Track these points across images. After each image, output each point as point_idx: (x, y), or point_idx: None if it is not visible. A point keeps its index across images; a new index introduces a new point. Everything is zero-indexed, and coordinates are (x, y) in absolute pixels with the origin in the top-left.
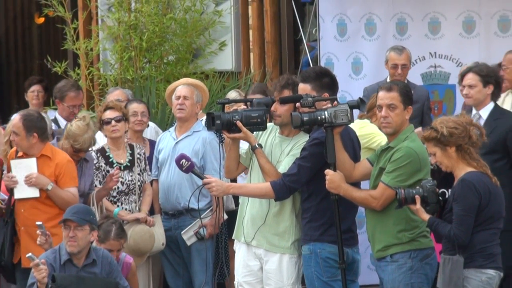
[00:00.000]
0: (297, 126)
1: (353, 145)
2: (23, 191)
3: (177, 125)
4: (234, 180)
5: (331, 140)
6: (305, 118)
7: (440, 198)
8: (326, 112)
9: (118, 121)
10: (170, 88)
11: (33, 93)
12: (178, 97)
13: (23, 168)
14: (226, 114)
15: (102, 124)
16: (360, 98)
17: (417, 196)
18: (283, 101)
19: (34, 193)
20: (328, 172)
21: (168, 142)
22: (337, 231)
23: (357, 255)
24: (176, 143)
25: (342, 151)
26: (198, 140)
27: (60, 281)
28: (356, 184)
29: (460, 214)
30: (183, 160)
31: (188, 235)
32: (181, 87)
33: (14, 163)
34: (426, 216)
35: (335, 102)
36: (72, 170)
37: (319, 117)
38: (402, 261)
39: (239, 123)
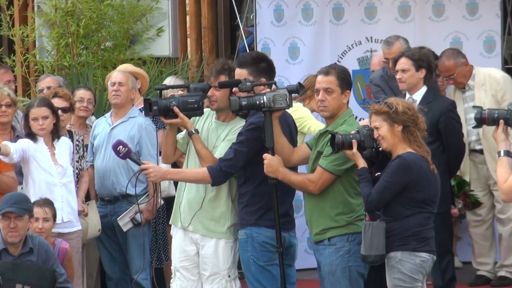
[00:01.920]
0: (235, 110)
1: (290, 130)
2: None
3: (112, 111)
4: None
5: (269, 125)
6: (243, 103)
7: (376, 145)
8: (264, 97)
9: (65, 111)
10: (110, 75)
11: None
12: (113, 84)
13: None
14: (163, 100)
15: None
16: (299, 83)
17: (354, 141)
18: (222, 86)
19: None
20: (266, 156)
21: (103, 127)
22: (275, 215)
23: (294, 239)
24: (112, 128)
25: (281, 136)
26: (133, 125)
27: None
28: (293, 169)
29: (383, 185)
30: (120, 146)
31: (124, 221)
32: (116, 74)
33: None
34: (361, 162)
35: (274, 87)
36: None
37: (257, 102)
38: (339, 245)
39: (176, 109)
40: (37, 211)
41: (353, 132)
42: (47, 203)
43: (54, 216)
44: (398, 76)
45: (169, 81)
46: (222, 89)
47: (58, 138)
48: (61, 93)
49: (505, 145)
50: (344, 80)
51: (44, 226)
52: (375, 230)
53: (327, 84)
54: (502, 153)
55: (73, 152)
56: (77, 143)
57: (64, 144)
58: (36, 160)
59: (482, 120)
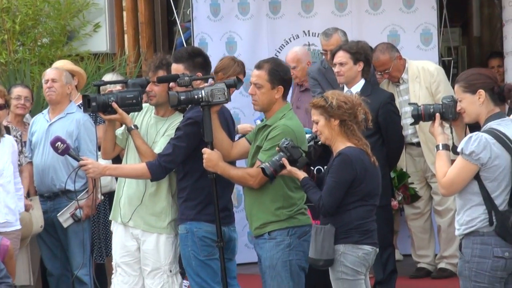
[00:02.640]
0: (174, 105)
1: (227, 125)
2: None
3: (50, 108)
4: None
5: (208, 119)
6: (182, 97)
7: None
8: (203, 91)
9: (0, 108)
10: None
11: None
12: (47, 81)
13: None
14: (101, 96)
15: None
16: (236, 77)
17: (283, 159)
18: (160, 81)
19: None
20: (206, 151)
21: (41, 124)
22: (215, 209)
23: (234, 233)
24: (50, 125)
25: (220, 130)
26: (71, 121)
27: None
28: (232, 163)
29: (331, 186)
30: (59, 143)
31: (65, 217)
32: (49, 71)
33: None
34: (301, 175)
35: (212, 81)
36: None
37: (196, 96)
38: (280, 238)
39: (114, 105)
40: None
41: (277, 148)
42: None
43: None
44: (336, 70)
45: (108, 78)
46: (161, 84)
47: (2, 136)
48: None
49: (443, 138)
50: (276, 75)
51: None
52: (326, 234)
53: (256, 79)
54: (440, 147)
55: (13, 151)
56: (15, 138)
57: (5, 144)
58: None
59: (419, 116)
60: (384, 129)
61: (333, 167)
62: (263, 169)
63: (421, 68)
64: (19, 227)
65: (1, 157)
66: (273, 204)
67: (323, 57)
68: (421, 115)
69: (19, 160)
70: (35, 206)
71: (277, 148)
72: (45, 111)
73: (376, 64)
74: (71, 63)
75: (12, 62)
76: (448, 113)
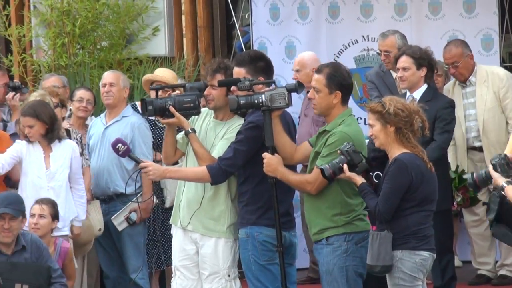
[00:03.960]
0: (233, 109)
1: (289, 129)
2: None
3: (106, 111)
4: None
5: (268, 124)
6: (241, 102)
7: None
8: (263, 96)
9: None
10: (147, 77)
11: None
12: (104, 85)
13: None
14: (158, 99)
15: None
16: (298, 81)
17: (343, 165)
18: (221, 84)
19: None
20: (266, 155)
21: (98, 127)
22: (275, 214)
23: (295, 238)
24: (105, 128)
25: (283, 134)
26: (126, 125)
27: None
28: (292, 168)
29: (387, 192)
30: (119, 144)
31: (119, 221)
32: (107, 74)
33: None
34: (359, 180)
35: (273, 86)
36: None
37: (255, 101)
38: (337, 244)
39: (171, 109)
40: (34, 207)
41: (338, 151)
42: (46, 201)
43: (54, 216)
44: (399, 74)
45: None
46: (219, 88)
47: (59, 140)
48: (48, 91)
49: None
50: (333, 80)
51: (40, 223)
52: (382, 240)
53: (315, 83)
54: (505, 184)
55: (72, 158)
56: (75, 141)
57: (63, 147)
58: (26, 162)
59: (474, 184)
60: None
61: (389, 174)
62: (322, 170)
63: (490, 72)
64: (66, 233)
65: (57, 160)
66: (330, 211)
67: (382, 60)
68: (475, 182)
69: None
70: (95, 210)
71: (338, 151)
72: (102, 115)
73: (447, 56)
74: (173, 74)
75: (72, 65)
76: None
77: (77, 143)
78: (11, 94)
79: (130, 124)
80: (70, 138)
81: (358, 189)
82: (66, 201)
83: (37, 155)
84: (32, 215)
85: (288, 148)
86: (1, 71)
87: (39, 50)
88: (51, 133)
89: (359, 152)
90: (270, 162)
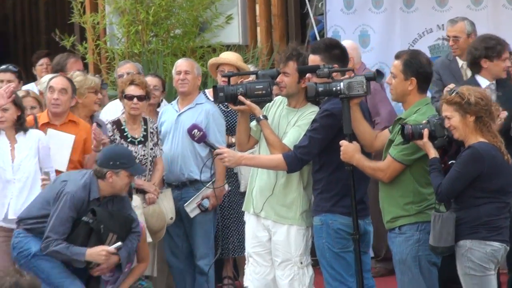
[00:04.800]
0: (311, 96)
1: (364, 117)
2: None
3: (179, 98)
4: None
5: (347, 112)
6: (320, 89)
7: (448, 134)
8: (341, 83)
9: (140, 99)
10: (212, 61)
11: (42, 66)
12: (179, 72)
13: (58, 141)
14: (230, 86)
15: (123, 97)
16: (377, 70)
17: (424, 130)
18: (300, 71)
19: (62, 167)
20: (343, 143)
21: (170, 114)
22: (352, 201)
23: (369, 226)
24: (179, 115)
25: (362, 122)
26: (201, 112)
27: (99, 216)
28: (368, 156)
29: (454, 176)
30: (195, 130)
31: (191, 207)
32: (181, 62)
33: (50, 132)
34: (432, 153)
35: (352, 74)
36: None
37: (334, 88)
38: (409, 233)
39: (241, 97)
40: None
41: (424, 121)
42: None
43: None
44: (508, 64)
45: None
46: (292, 75)
47: (24, 131)
48: (137, 81)
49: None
50: (409, 67)
51: None
52: (444, 221)
53: (392, 68)
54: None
55: (39, 147)
56: (152, 130)
57: (28, 138)
58: None
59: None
60: None
61: (461, 158)
62: (402, 127)
63: None
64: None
65: (22, 151)
66: (402, 199)
67: (450, 50)
68: None
69: (154, 152)
70: (167, 199)
71: (424, 122)
72: (174, 102)
73: None
74: (238, 56)
75: (145, 53)
76: None
77: (152, 132)
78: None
79: (204, 111)
80: (147, 128)
81: (428, 161)
82: (35, 193)
83: (2, 147)
84: None
85: (368, 135)
86: (76, 58)
87: (113, 38)
88: (19, 122)
89: (445, 129)
90: (347, 149)
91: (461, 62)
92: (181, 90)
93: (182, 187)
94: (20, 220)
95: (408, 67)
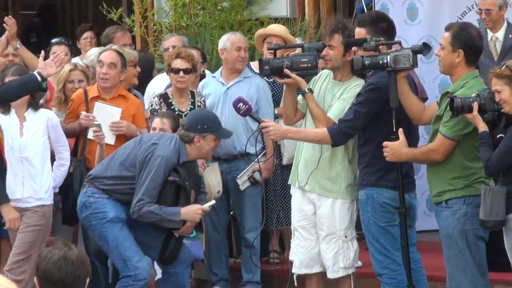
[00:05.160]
0: (358, 69)
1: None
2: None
3: (224, 71)
4: None
5: (393, 85)
6: (366, 62)
7: (497, 107)
8: (388, 57)
9: (186, 72)
10: (259, 33)
11: (86, 40)
12: (240, 48)
13: (107, 114)
14: (276, 60)
15: (170, 70)
16: (423, 43)
17: (474, 104)
18: (347, 44)
19: (110, 140)
20: (386, 144)
21: (216, 87)
22: (398, 175)
23: (414, 200)
24: (227, 88)
25: (410, 95)
26: (251, 85)
27: (182, 174)
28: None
29: (503, 150)
30: (241, 104)
31: (243, 180)
32: (241, 38)
33: (98, 105)
34: (482, 126)
35: (399, 47)
36: (142, 109)
37: (380, 61)
38: (456, 207)
39: (286, 71)
40: (155, 121)
41: (473, 95)
42: (168, 115)
43: (175, 129)
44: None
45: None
46: (337, 48)
47: (35, 109)
48: (183, 54)
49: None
50: (458, 38)
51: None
52: (495, 195)
53: (441, 40)
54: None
55: (49, 126)
56: (199, 103)
57: (38, 117)
58: (3, 132)
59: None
60: None
61: (510, 132)
62: (452, 100)
63: None
64: (41, 203)
65: (30, 129)
66: (449, 174)
67: (482, 19)
68: None
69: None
70: (214, 172)
71: (473, 95)
72: (216, 74)
73: None
74: (285, 28)
75: (192, 26)
76: None
77: (201, 106)
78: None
79: (254, 85)
80: (194, 101)
81: (478, 135)
82: (42, 171)
83: (12, 124)
84: (154, 129)
85: (415, 108)
86: (124, 31)
87: (160, 11)
88: (34, 99)
89: (495, 103)
90: (394, 149)
91: (490, 35)
92: (239, 67)
93: (232, 160)
94: (93, 178)
95: (456, 39)
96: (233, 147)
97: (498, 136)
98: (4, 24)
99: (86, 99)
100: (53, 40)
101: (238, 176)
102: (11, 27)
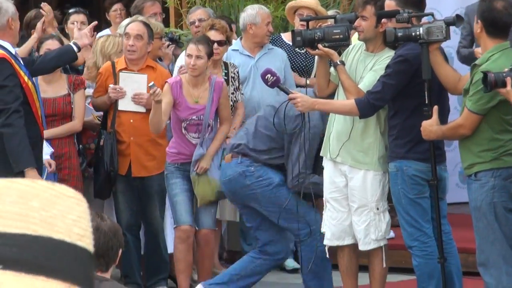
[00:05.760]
0: (390, 41)
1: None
2: (128, 105)
3: (248, 44)
4: None
5: (426, 57)
6: (399, 34)
7: None
8: (420, 28)
9: (220, 44)
10: (290, 5)
11: (116, 12)
12: (269, 23)
13: (133, 83)
14: (308, 31)
15: None
16: (457, 14)
17: (508, 78)
18: (380, 16)
19: (140, 108)
20: (424, 124)
21: (243, 60)
22: (430, 147)
23: (445, 172)
24: (257, 61)
25: (444, 65)
26: (276, 57)
27: None
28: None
29: None
30: (269, 75)
31: None
32: (269, 12)
33: (123, 75)
34: None
35: (431, 19)
36: None
37: (413, 33)
38: (484, 180)
39: (319, 46)
40: (191, 48)
41: (506, 69)
42: (202, 41)
43: (209, 55)
44: None
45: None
46: (369, 19)
47: None
48: (217, 26)
49: None
50: (479, 9)
51: (197, 63)
52: None
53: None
54: None
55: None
56: (233, 75)
57: None
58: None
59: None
60: None
61: None
62: (485, 75)
63: None
64: None
65: None
66: (477, 147)
67: None
68: None
69: (235, 97)
70: None
71: (506, 69)
72: (237, 47)
73: None
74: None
75: None
76: None
77: (234, 77)
78: (166, 43)
79: (280, 56)
80: (228, 72)
81: None
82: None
83: None
84: (189, 56)
85: (451, 78)
86: (153, 1)
87: None
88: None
89: None
90: (426, 127)
91: None
92: (266, 41)
93: None
94: (251, 150)
95: (478, 10)
96: None
97: None
98: (40, 10)
99: (114, 71)
100: (71, 10)
101: None
102: (48, 13)
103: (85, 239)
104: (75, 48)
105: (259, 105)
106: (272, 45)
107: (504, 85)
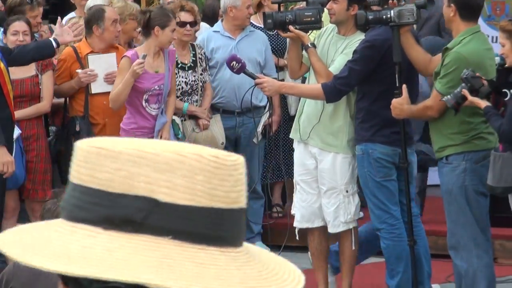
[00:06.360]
0: (361, 24)
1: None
2: (100, 86)
3: (229, 26)
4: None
5: (397, 40)
6: (370, 17)
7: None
8: (391, 11)
9: (191, 25)
10: None
11: None
12: (249, 6)
13: (103, 63)
14: (278, 13)
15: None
16: None
17: (463, 91)
18: (351, 0)
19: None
20: (393, 102)
21: (222, 41)
22: (401, 131)
23: (412, 156)
24: (237, 43)
25: (415, 47)
26: (257, 39)
27: None
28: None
29: None
30: (234, 62)
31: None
32: None
33: (92, 58)
34: (483, 104)
35: (402, 2)
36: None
37: (384, 16)
38: (455, 163)
39: (290, 27)
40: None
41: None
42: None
43: None
44: None
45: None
46: (341, 2)
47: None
48: (187, 7)
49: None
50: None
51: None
52: (505, 161)
53: None
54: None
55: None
56: (200, 56)
57: None
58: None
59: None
60: None
61: None
62: (445, 103)
63: None
64: None
65: None
66: (448, 129)
67: None
68: None
69: (203, 77)
70: (217, 123)
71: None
72: (217, 28)
73: None
74: None
75: None
76: None
77: (202, 58)
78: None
79: (261, 38)
80: (195, 53)
81: (483, 112)
82: None
83: None
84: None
85: (422, 59)
86: None
87: None
88: None
89: (479, 77)
90: (396, 105)
91: None
92: (247, 24)
93: (245, 113)
94: None
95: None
96: (248, 101)
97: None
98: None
99: (77, 56)
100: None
101: (258, 129)
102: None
103: (240, 199)
104: (54, 44)
105: (238, 87)
106: None
107: (464, 99)
